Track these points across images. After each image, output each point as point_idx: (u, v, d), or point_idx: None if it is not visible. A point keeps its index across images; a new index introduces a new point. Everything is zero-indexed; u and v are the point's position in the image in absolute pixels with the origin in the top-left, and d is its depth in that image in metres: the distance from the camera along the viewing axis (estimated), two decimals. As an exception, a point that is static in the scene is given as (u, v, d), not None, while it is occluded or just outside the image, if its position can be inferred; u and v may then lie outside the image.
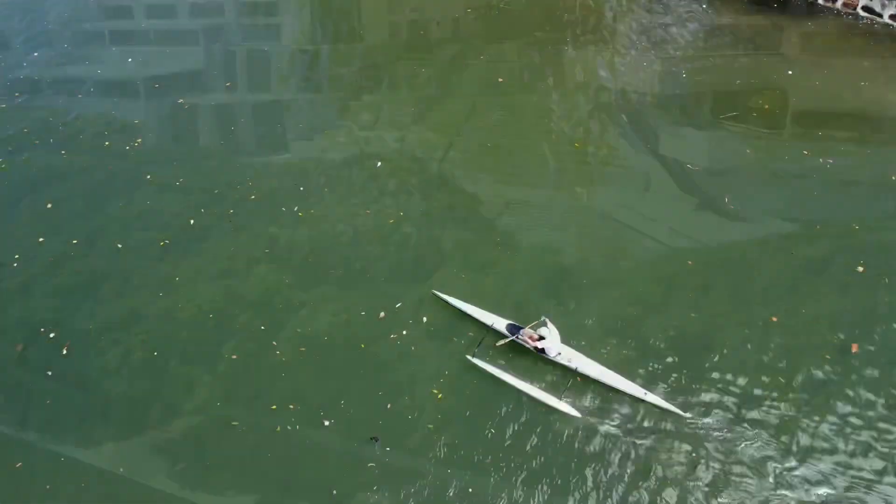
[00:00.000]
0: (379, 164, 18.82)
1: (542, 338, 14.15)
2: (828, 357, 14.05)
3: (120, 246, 17.22)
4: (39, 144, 20.26)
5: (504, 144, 19.52)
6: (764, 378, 13.77)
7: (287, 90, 22.62)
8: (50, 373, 14.68)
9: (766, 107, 19.96)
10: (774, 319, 14.78)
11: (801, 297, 15.29)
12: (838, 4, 23.52)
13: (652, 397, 13.49)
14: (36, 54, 24.46)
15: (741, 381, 13.72)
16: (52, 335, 15.34)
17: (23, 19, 26.54)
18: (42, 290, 16.35)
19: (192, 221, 17.64)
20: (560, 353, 14.05)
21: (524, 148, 19.38)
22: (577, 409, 13.46)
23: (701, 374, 13.88)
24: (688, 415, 13.22)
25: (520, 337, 14.27)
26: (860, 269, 15.75)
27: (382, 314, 15.14)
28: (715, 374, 13.87)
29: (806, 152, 18.67)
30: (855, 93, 20.26)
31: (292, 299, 15.69)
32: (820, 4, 23.74)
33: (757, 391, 13.59)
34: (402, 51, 24.19)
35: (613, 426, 13.31)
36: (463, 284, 15.69)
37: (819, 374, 13.84)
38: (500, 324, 14.72)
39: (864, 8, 23.13)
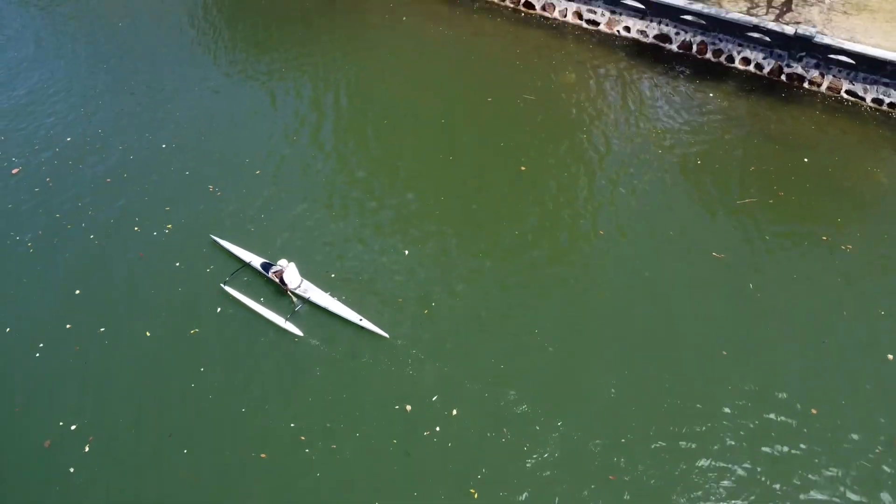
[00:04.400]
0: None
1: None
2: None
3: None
4: None
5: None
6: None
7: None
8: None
9: (781, 193, 21.01)
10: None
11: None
12: (823, 88, 25.14)
13: (366, 322, 17.24)
14: None
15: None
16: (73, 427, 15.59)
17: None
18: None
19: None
20: (299, 286, 18.03)
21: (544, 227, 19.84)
22: (301, 329, 17.38)
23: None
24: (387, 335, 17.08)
25: (268, 272, 18.35)
26: (889, 356, 16.81)
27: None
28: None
29: (825, 238, 19.73)
30: (866, 177, 21.59)
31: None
32: (805, 88, 25.30)
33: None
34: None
35: (331, 345, 17.12)
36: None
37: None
38: (256, 261, 18.78)
39: (848, 91, 24.82)
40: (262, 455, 15.13)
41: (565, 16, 28.68)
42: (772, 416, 15.80)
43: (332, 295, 18.05)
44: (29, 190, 21.28)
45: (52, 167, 22.06)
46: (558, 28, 28.18)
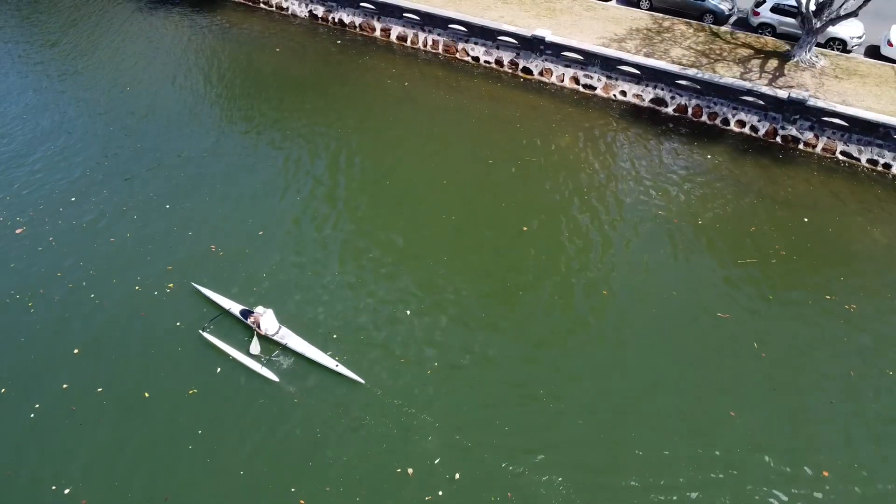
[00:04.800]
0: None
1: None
2: None
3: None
4: None
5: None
6: None
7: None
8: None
9: (783, 252, 21.11)
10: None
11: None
12: (818, 149, 25.59)
13: (342, 368, 17.49)
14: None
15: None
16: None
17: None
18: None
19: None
20: (278, 332, 18.44)
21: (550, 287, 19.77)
22: (277, 374, 17.65)
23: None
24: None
25: (247, 319, 18.76)
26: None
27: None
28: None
29: (829, 297, 19.71)
30: (865, 235, 21.74)
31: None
32: (801, 149, 25.75)
33: None
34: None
35: (305, 388, 17.38)
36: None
37: None
38: (236, 308, 19.13)
39: (843, 153, 25.25)
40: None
41: (563, 81, 29.41)
42: (784, 475, 15.44)
43: (311, 342, 18.18)
44: (32, 249, 21.29)
45: (56, 227, 22.13)
46: (556, 93, 28.87)
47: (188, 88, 29.86)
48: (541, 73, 29.76)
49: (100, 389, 17.34)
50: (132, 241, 21.52)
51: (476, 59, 30.94)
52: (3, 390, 17.42)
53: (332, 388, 17.35)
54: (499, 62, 30.38)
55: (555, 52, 28.99)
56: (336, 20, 34.20)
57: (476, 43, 30.74)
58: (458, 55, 31.33)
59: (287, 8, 35.46)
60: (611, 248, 21.33)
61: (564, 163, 24.92)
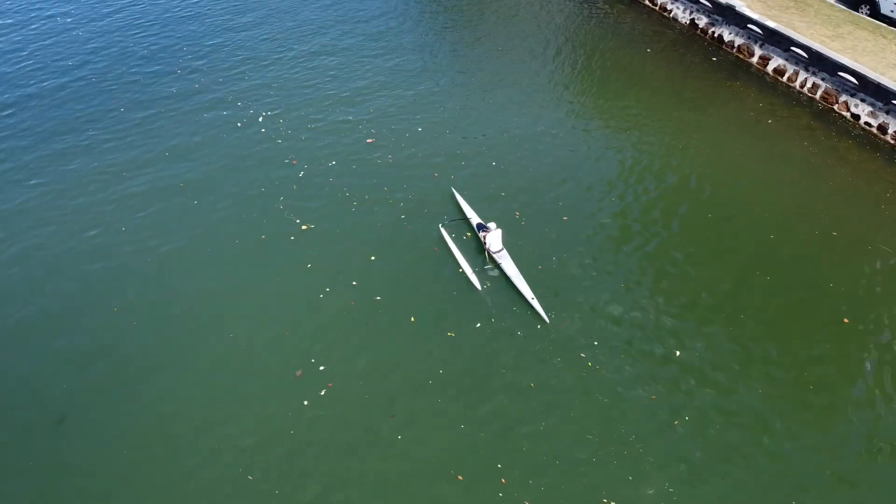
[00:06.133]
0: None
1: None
2: None
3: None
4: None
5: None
6: None
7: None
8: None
9: None
10: None
11: None
12: None
13: (536, 303, 19.18)
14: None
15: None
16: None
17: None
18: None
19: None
20: (499, 251, 20.55)
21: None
22: (482, 284, 20.06)
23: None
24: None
25: (479, 231, 21.13)
26: None
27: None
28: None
29: None
30: None
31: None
32: None
33: None
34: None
35: (497, 302, 19.69)
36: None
37: None
38: (475, 219, 21.92)
39: None
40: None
41: (956, 171, 25.13)
42: None
43: (522, 273, 20.04)
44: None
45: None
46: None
47: (549, 60, 31.36)
48: (930, 155, 25.77)
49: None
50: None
51: (856, 117, 27.73)
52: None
53: (521, 315, 19.19)
54: (882, 129, 26.86)
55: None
56: (715, 35, 32.97)
57: (863, 100, 27.48)
58: (836, 107, 28.37)
59: (670, 11, 35.02)
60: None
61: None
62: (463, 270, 20.44)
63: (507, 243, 20.94)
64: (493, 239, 20.60)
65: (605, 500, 15.15)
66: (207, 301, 19.68)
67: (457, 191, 23.30)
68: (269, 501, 15.11)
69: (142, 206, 22.91)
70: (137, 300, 19.68)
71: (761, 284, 20.60)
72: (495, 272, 20.51)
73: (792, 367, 18.21)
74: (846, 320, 19.61)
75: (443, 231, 21.70)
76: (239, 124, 26.95)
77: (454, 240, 21.46)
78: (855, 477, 15.82)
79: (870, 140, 26.86)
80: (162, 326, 18.93)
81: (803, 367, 18.23)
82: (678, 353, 18.43)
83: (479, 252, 21.13)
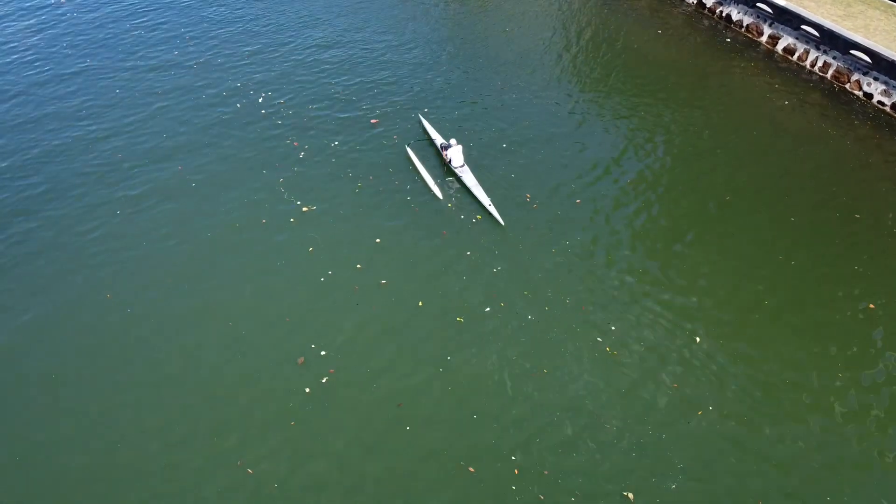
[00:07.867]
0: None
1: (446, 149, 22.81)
2: None
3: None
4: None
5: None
6: None
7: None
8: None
9: None
10: None
11: None
12: None
13: (493, 209, 21.02)
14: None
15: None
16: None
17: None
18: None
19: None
20: (461, 167, 22.49)
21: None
22: (442, 194, 21.90)
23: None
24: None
25: (441, 150, 23.03)
26: None
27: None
28: None
29: None
30: None
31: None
32: None
33: None
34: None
35: (459, 206, 21.69)
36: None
37: None
38: (438, 140, 23.73)
39: None
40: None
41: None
42: None
43: (483, 188, 21.82)
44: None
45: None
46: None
47: (556, 43, 30.69)
48: (946, 135, 25.20)
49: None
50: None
51: (869, 96, 27.15)
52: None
53: (480, 224, 20.81)
54: (896, 108, 26.34)
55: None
56: (723, 14, 32.31)
57: (876, 79, 26.90)
58: (847, 86, 27.78)
59: (678, -9, 34.30)
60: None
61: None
62: (427, 183, 22.15)
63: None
64: (455, 154, 22.39)
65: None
66: (205, 287, 18.98)
67: (423, 116, 25.14)
68: (270, 491, 14.53)
69: (139, 195, 22.12)
70: (131, 286, 18.98)
71: (786, 266, 20.11)
72: (456, 185, 22.39)
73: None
74: (871, 306, 19.12)
75: (409, 151, 23.44)
76: (238, 105, 26.20)
77: (419, 158, 23.21)
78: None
79: (884, 119, 26.28)
80: (157, 312, 18.25)
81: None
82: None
83: (441, 166, 23.17)
